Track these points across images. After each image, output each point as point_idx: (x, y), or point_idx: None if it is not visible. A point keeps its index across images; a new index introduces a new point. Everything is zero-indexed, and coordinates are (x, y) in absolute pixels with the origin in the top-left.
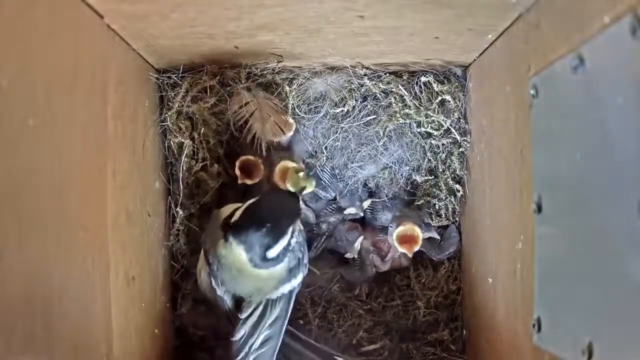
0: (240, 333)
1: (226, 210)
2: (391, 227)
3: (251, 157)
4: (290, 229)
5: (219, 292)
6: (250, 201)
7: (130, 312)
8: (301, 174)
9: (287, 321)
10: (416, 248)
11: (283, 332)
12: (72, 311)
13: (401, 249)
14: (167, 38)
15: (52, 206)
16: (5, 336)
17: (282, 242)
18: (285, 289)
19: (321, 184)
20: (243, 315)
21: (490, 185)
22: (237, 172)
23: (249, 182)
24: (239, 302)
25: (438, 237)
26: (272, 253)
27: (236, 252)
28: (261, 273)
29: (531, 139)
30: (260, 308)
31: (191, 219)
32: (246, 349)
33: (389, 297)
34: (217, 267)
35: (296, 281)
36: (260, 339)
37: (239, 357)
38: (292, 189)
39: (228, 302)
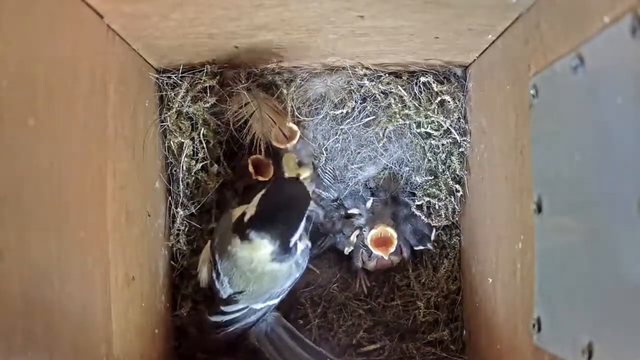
0: (215, 318)
1: (237, 211)
2: (365, 231)
3: (260, 156)
4: (307, 212)
5: (217, 285)
6: (261, 193)
7: (130, 312)
8: (296, 160)
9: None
10: (392, 249)
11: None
12: (72, 311)
13: (377, 252)
14: (167, 38)
15: (52, 206)
16: (5, 336)
17: (301, 227)
18: (271, 303)
19: (323, 185)
20: (226, 309)
21: (490, 185)
22: (251, 169)
23: (261, 178)
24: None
25: (432, 249)
26: (293, 239)
27: (259, 247)
28: (276, 268)
29: (531, 139)
30: (243, 311)
31: (191, 219)
32: (218, 330)
33: (389, 297)
34: (224, 266)
35: (279, 299)
36: (231, 329)
37: (211, 333)
38: (288, 175)
39: (222, 293)
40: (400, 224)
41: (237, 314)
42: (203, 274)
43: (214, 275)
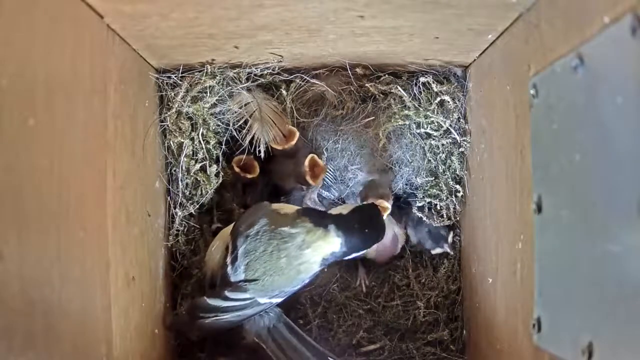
0: (214, 302)
1: (283, 207)
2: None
3: (242, 156)
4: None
5: (229, 270)
6: (362, 205)
7: (130, 312)
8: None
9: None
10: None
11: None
12: (72, 311)
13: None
14: (167, 38)
15: (52, 206)
16: (5, 336)
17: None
18: (275, 300)
19: (324, 184)
20: (231, 295)
21: (490, 185)
22: (237, 169)
23: (249, 176)
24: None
25: (450, 252)
26: (352, 254)
27: (328, 240)
28: (312, 267)
29: (531, 139)
30: (247, 302)
31: (190, 219)
32: (211, 315)
33: (389, 297)
34: (248, 248)
35: (282, 300)
36: (224, 318)
37: (202, 317)
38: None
39: (232, 277)
40: (414, 224)
41: (240, 303)
42: (215, 258)
43: (229, 260)
